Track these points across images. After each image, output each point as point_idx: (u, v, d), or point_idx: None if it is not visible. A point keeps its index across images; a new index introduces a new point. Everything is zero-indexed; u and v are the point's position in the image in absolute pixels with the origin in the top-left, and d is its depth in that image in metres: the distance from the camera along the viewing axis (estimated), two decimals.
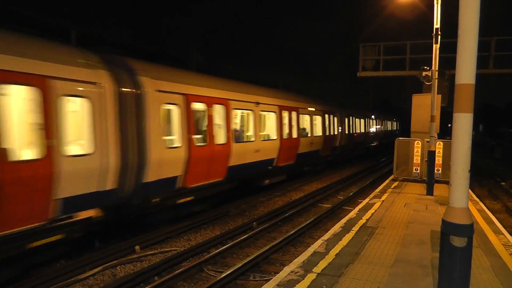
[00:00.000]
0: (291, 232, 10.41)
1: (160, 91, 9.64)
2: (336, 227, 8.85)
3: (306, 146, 18.67)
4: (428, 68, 13.84)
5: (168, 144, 10.16)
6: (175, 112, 10.41)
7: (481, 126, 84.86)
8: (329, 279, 5.86)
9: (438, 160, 14.79)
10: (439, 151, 14.83)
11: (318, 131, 20.75)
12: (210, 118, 11.55)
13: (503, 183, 21.52)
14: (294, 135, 17.31)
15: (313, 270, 6.21)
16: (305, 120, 19.27)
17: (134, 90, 8.99)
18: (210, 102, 11.58)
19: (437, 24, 12.70)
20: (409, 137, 16.94)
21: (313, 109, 19.87)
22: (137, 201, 9.40)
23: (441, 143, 15.06)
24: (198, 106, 11.16)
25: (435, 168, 14.21)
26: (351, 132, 27.42)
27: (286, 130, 16.56)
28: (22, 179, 6.56)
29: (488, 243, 7.86)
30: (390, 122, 49.23)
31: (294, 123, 17.25)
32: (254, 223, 11.51)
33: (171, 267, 8.18)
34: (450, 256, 4.27)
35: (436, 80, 13.35)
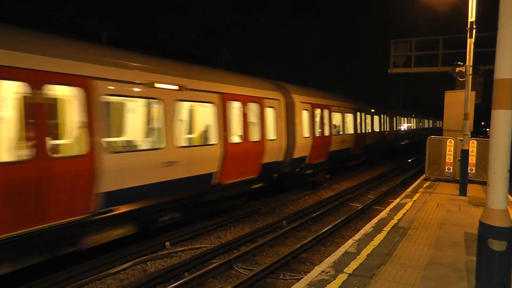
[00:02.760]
0: (321, 231, 10.37)
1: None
2: (367, 227, 8.74)
3: (127, 175, 7.82)
4: (461, 63, 13.46)
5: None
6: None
7: None
8: (360, 280, 5.80)
9: (472, 159, 14.36)
10: (472, 150, 14.41)
11: (212, 137, 10.50)
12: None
13: None
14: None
15: (344, 270, 6.16)
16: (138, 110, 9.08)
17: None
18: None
19: (472, 17, 12.30)
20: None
21: (175, 88, 8.97)
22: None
23: (475, 141, 14.62)
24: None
25: (469, 168, 13.82)
26: (320, 134, 16.73)
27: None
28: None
29: None
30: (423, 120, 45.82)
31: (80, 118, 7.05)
32: (284, 221, 11.51)
33: (201, 263, 8.29)
34: (489, 261, 4.14)
35: (470, 76, 12.96)
